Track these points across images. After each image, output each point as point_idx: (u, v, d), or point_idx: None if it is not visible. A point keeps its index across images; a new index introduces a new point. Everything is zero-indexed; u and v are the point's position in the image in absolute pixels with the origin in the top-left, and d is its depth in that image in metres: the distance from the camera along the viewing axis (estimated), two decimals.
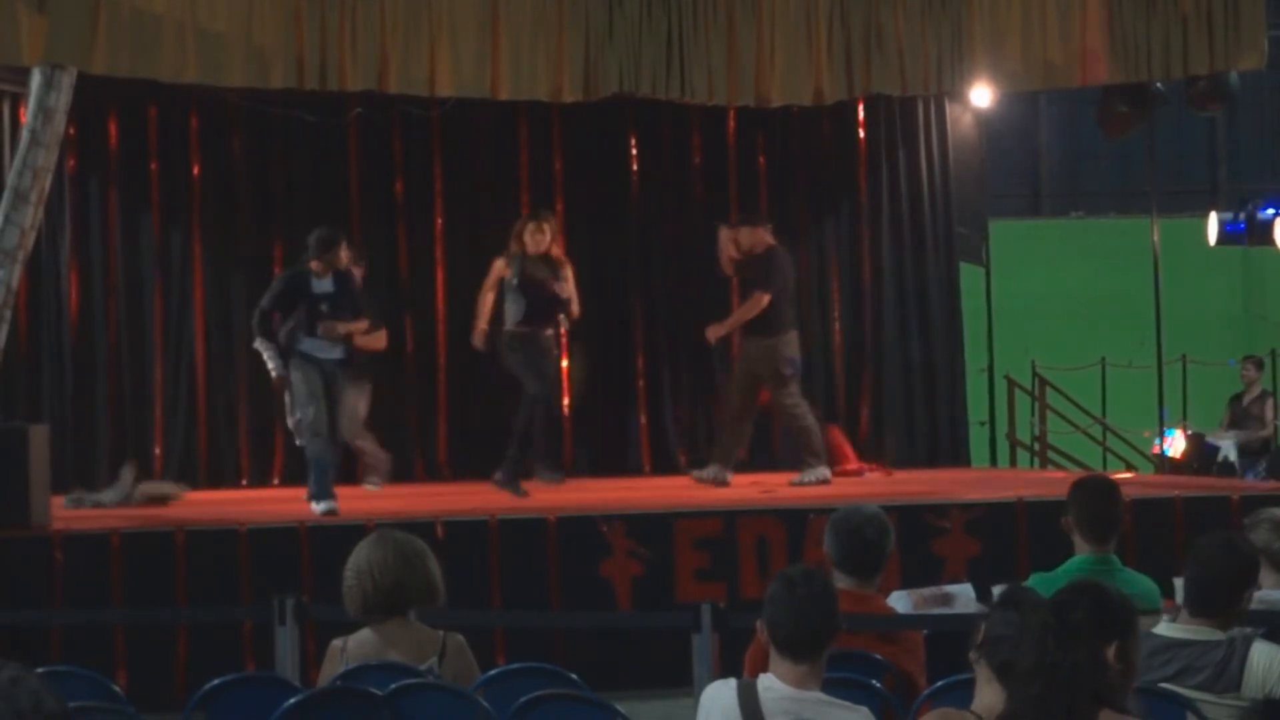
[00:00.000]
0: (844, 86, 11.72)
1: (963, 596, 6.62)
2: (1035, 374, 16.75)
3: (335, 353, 10.73)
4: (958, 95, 13.65)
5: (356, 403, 12.02)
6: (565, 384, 13.50)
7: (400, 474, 12.92)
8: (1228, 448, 15.43)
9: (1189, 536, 8.74)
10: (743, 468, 12.29)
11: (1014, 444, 16.09)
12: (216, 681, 5.55)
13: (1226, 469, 15.44)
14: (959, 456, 14.50)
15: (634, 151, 14.24)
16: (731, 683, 4.55)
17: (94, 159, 13.36)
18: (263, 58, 10.64)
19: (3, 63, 10.75)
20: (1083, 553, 5.92)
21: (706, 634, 6.05)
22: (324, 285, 10.73)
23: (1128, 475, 13.52)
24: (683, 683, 6.58)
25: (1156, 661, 4.81)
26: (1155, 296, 14.38)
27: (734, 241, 12.02)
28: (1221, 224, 15.29)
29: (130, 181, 13.42)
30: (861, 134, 14.52)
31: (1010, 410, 16.04)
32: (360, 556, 5.69)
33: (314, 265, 10.76)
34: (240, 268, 13.59)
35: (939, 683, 5.04)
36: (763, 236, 12.02)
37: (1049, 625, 3.66)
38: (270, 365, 10.93)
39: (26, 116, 10.45)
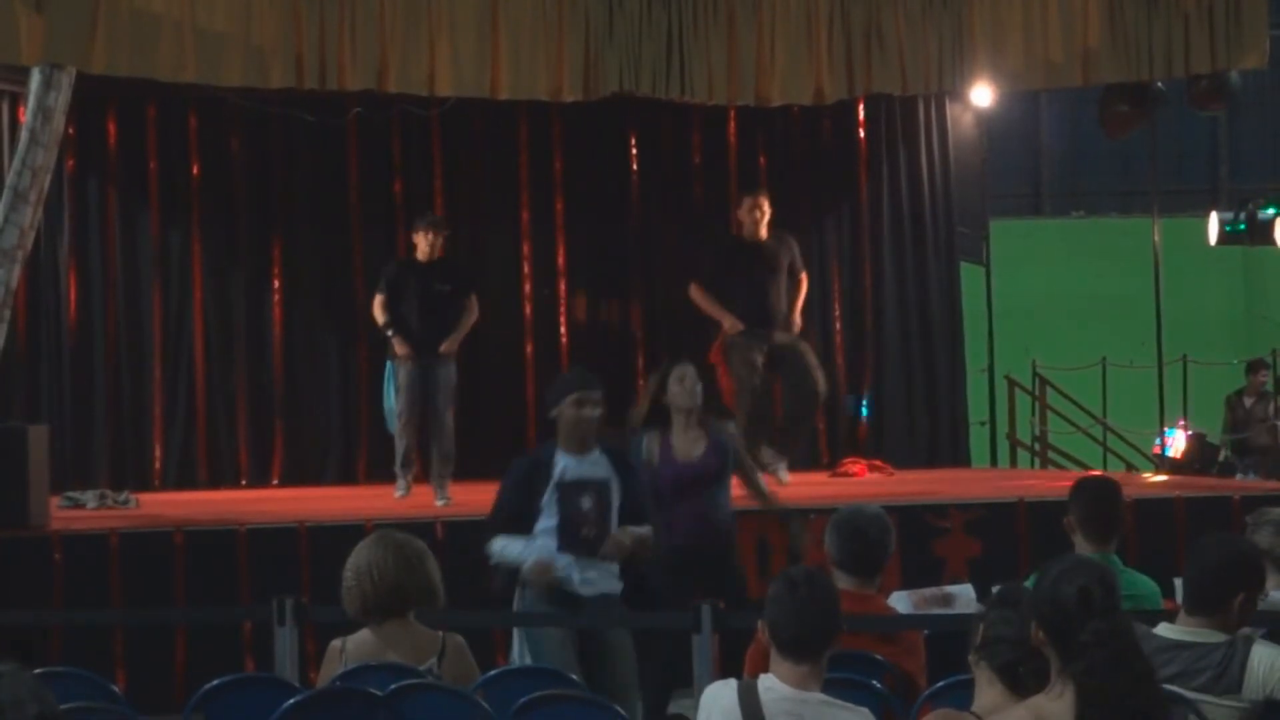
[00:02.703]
0: (844, 86, 11.71)
1: (963, 597, 6.63)
2: (1036, 374, 16.74)
3: None
4: (958, 94, 13.63)
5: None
6: None
7: None
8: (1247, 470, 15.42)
9: (1190, 537, 8.75)
10: None
11: (1014, 444, 16.07)
12: (215, 682, 5.54)
13: (1227, 469, 15.44)
14: (959, 456, 14.48)
15: (634, 151, 14.22)
16: (732, 683, 4.54)
17: (93, 159, 13.34)
18: (262, 57, 10.64)
19: (2, 62, 10.73)
20: (1084, 553, 5.90)
21: (707, 634, 6.04)
22: None
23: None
24: (683, 683, 6.57)
25: (1157, 662, 4.78)
26: (1156, 296, 14.38)
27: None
28: (1222, 224, 15.28)
29: (129, 181, 13.40)
30: (862, 134, 14.50)
31: (1011, 410, 16.02)
32: (360, 557, 5.68)
33: None
34: (239, 267, 13.57)
35: (939, 683, 5.03)
36: None
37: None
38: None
39: (25, 116, 10.44)
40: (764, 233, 11.63)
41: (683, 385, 7.93)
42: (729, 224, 14.05)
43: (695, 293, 11.71)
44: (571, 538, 6.81)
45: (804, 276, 11.87)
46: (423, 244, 11.38)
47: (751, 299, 11.50)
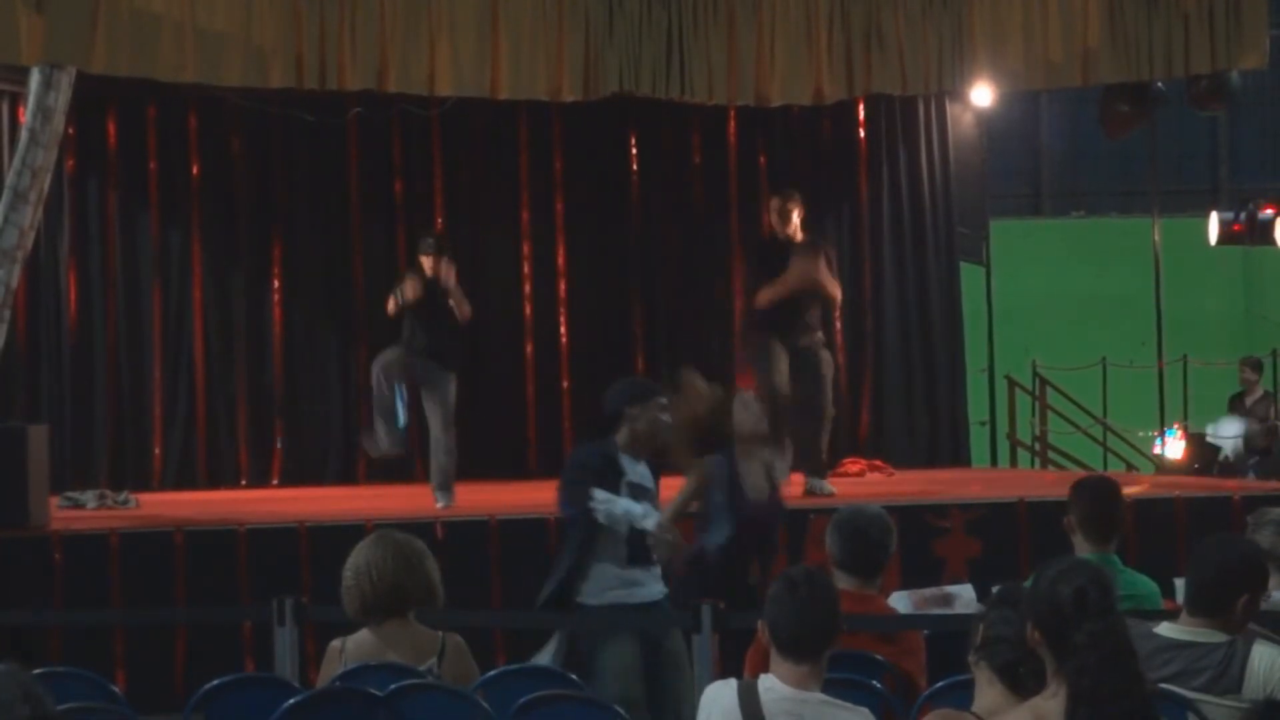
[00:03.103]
0: (844, 86, 11.71)
1: (963, 597, 6.64)
2: (1036, 374, 16.73)
3: None
4: (958, 94, 13.64)
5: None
6: None
7: (400, 474, 12.88)
8: (1229, 447, 15.40)
9: (1190, 537, 8.74)
10: None
11: (1014, 444, 16.07)
12: (215, 682, 5.54)
13: (1228, 469, 15.42)
14: (959, 457, 14.49)
15: (634, 151, 14.23)
16: (732, 683, 4.54)
17: (93, 159, 13.34)
18: (262, 57, 10.64)
19: (2, 62, 10.74)
20: (1084, 553, 5.89)
21: (707, 634, 6.04)
22: None
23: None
24: None
25: (1157, 661, 4.78)
26: (1156, 296, 14.39)
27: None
28: (1222, 224, 15.27)
29: (129, 181, 13.41)
30: (861, 134, 14.50)
31: (1011, 410, 16.02)
32: (359, 557, 5.68)
33: None
34: (239, 267, 13.59)
35: (939, 683, 5.03)
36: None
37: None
38: None
39: (25, 116, 10.45)
40: (795, 234, 11.11)
41: (749, 412, 7.67)
42: (729, 225, 14.12)
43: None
44: (638, 544, 6.71)
45: (837, 289, 11.25)
46: (427, 266, 11.09)
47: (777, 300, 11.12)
